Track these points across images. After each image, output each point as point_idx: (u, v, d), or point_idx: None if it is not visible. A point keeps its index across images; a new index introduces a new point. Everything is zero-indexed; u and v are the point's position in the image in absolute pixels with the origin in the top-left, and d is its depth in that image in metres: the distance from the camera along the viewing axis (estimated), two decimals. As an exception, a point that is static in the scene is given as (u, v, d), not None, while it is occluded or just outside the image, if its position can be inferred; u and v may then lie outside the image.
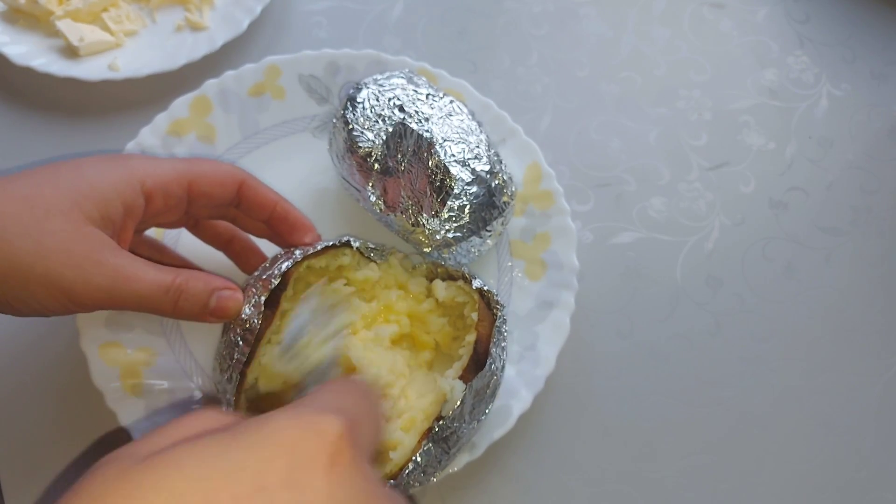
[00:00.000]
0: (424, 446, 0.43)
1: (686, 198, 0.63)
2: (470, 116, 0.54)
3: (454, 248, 0.52)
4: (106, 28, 0.66)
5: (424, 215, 0.51)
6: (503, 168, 0.54)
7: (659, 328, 0.57)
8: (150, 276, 0.41)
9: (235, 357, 0.44)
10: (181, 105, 0.59)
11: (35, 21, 0.66)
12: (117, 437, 0.51)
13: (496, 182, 0.52)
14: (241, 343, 0.44)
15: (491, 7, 0.72)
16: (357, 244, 0.49)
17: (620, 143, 0.65)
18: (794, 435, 0.54)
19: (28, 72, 0.62)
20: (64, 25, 0.64)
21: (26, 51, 0.64)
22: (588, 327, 0.55)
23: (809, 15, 0.72)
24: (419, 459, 0.43)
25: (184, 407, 0.51)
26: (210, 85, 0.60)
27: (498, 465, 0.50)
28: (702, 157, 0.65)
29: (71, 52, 0.64)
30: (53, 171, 0.42)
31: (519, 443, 0.52)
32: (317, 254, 0.48)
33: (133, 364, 0.50)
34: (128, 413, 0.49)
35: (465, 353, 0.47)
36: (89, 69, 0.63)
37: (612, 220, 0.61)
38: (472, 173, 0.51)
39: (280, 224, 0.49)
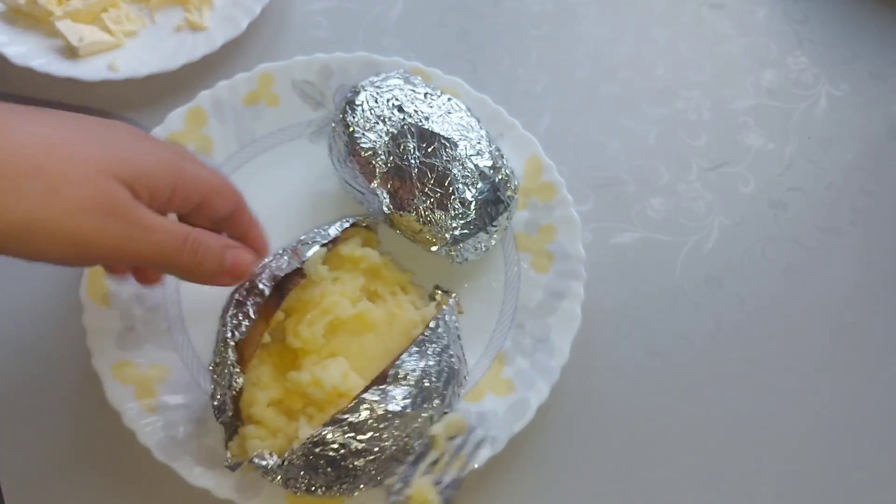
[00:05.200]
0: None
1: (685, 198, 0.63)
2: (468, 113, 0.55)
3: (461, 245, 0.52)
4: (105, 28, 0.66)
5: (432, 213, 0.51)
6: (505, 162, 0.54)
7: (658, 328, 0.57)
8: (167, 226, 0.41)
9: (244, 324, 0.46)
10: (176, 118, 0.59)
11: (35, 21, 0.66)
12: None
13: (499, 177, 0.52)
14: (251, 309, 0.46)
15: (490, 7, 0.72)
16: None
17: (620, 143, 0.65)
18: (794, 435, 0.54)
19: (28, 72, 0.62)
20: (63, 26, 0.64)
21: (26, 51, 0.63)
22: (587, 327, 0.55)
23: (808, 15, 0.73)
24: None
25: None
26: (204, 96, 0.60)
27: (497, 466, 0.50)
28: (701, 157, 0.65)
29: (70, 52, 0.64)
30: (92, 129, 0.41)
31: (518, 443, 0.52)
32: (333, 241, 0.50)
33: (147, 381, 0.50)
34: (147, 433, 0.48)
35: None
36: (89, 69, 0.63)
37: (611, 221, 0.61)
38: (476, 169, 0.51)
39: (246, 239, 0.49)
